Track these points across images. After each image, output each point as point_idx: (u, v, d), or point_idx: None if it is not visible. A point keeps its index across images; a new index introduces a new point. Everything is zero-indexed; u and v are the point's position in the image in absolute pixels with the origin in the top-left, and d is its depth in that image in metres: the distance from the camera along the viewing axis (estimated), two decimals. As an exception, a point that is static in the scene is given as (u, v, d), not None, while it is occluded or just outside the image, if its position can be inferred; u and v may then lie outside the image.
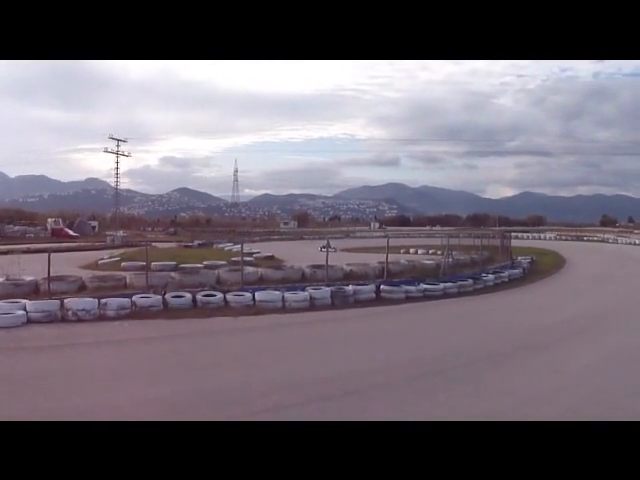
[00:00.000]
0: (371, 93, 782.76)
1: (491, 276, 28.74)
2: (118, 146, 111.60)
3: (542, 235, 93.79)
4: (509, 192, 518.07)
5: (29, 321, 16.89)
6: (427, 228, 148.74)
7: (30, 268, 21.82)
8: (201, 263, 30.25)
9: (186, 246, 55.67)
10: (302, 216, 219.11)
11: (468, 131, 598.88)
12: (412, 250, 47.90)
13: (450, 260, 30.73)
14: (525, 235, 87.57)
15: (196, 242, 60.59)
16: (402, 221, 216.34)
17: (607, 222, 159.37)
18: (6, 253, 32.52)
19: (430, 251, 45.56)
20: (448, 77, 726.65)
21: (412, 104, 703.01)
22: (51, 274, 20.19)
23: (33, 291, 20.34)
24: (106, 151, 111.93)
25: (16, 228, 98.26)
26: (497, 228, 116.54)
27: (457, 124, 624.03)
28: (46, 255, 20.73)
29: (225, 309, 19.35)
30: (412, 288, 23.53)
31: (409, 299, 22.81)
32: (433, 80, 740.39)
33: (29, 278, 21.21)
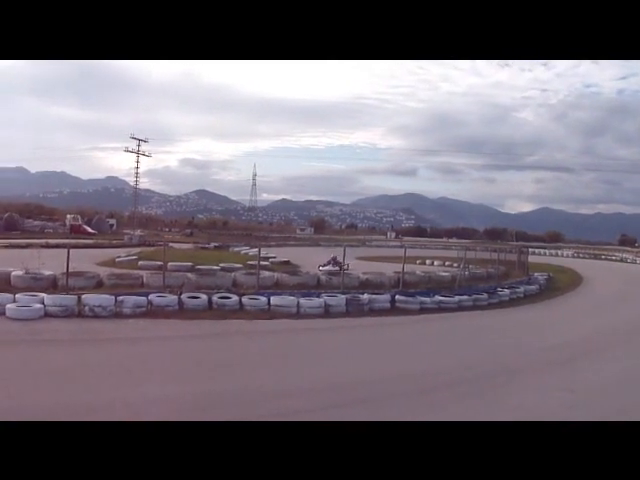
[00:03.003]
0: (393, 102, 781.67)
1: (507, 291, 28.50)
2: (139, 146, 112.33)
3: (559, 252, 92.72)
4: (527, 207, 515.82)
5: (46, 315, 17.05)
6: (444, 240, 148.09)
7: (49, 263, 21.99)
8: (217, 265, 30.30)
9: (202, 248, 55.59)
10: (319, 223, 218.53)
11: (488, 144, 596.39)
12: (428, 261, 47.61)
13: (466, 273, 30.65)
14: (542, 251, 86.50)
15: (212, 244, 60.50)
16: (419, 232, 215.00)
17: (626, 241, 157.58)
18: (25, 247, 32.79)
19: (446, 263, 45.29)
20: (470, 89, 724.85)
21: (433, 115, 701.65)
22: (69, 270, 20.36)
23: (51, 285, 20.48)
24: (127, 150, 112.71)
25: (35, 223, 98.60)
26: (514, 243, 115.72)
27: (477, 136, 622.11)
28: (64, 250, 20.88)
29: (240, 312, 19.40)
30: (427, 299, 23.47)
31: (424, 310, 22.71)
32: (455, 91, 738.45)
33: (48, 272, 21.36)
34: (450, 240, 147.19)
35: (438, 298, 23.95)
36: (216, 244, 60.79)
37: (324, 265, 34.25)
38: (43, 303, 17.42)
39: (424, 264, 45.15)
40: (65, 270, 20.53)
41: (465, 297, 25.05)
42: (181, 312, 18.79)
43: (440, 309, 23.35)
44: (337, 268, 30.73)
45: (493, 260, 37.39)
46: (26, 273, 21.10)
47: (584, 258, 78.26)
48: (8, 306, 16.88)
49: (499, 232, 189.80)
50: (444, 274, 31.75)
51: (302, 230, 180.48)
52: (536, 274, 38.16)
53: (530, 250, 53.05)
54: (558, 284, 37.32)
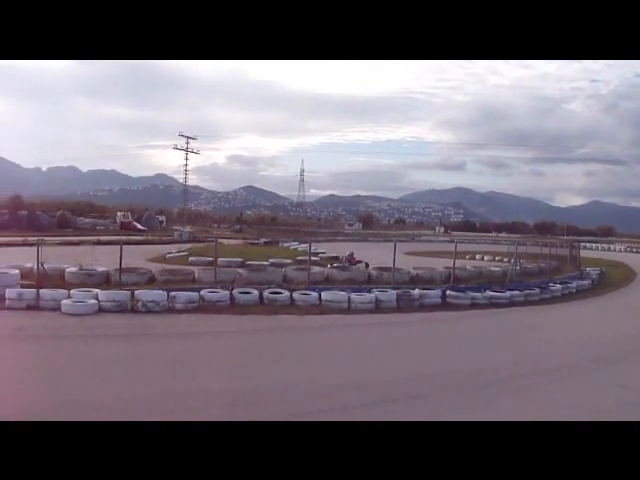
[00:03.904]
0: (440, 96, 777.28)
1: (558, 286, 28.05)
2: (187, 143, 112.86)
3: (611, 246, 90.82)
4: (578, 200, 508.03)
5: (100, 310, 17.35)
6: (493, 234, 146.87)
7: (101, 259, 22.29)
8: (267, 261, 30.45)
9: (252, 243, 55.89)
10: (367, 218, 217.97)
11: (536, 137, 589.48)
12: (478, 256, 47.37)
13: (517, 268, 30.35)
14: (594, 245, 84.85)
15: (262, 240, 60.75)
16: (468, 226, 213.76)
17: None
18: (77, 244, 33.23)
19: (496, 258, 44.98)
20: (517, 81, 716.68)
21: (480, 108, 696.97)
22: (122, 266, 20.62)
23: (105, 281, 20.78)
24: (176, 148, 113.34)
25: (87, 220, 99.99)
26: (565, 237, 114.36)
27: (525, 129, 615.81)
28: (116, 247, 21.15)
29: (291, 307, 19.47)
30: (478, 295, 23.24)
31: (475, 306, 22.51)
32: (502, 84, 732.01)
33: (101, 269, 21.67)
34: (499, 235, 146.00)
35: (489, 293, 23.70)
36: (265, 240, 61.00)
37: (340, 261, 33.97)
38: (97, 299, 17.68)
39: (474, 259, 44.90)
40: (118, 266, 20.81)
41: (517, 292, 24.71)
42: (232, 307, 18.90)
43: (491, 304, 23.08)
44: (364, 265, 30.59)
45: (544, 255, 36.88)
46: (80, 269, 21.45)
47: (637, 252, 76.77)
48: (63, 302, 17.18)
49: (549, 226, 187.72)
50: (495, 269, 31.49)
51: (350, 225, 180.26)
52: (588, 269, 37.60)
53: (581, 244, 52.38)
54: (611, 279, 36.62)
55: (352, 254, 32.39)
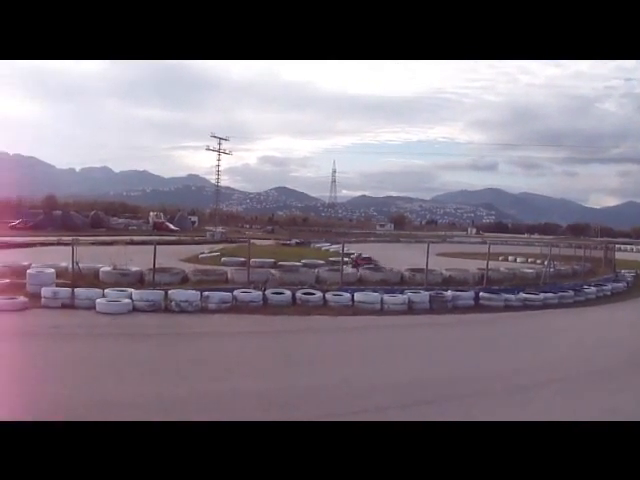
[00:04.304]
0: (472, 96, 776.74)
1: (593, 289, 27.58)
2: (220, 144, 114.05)
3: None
4: (612, 201, 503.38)
5: (134, 309, 17.49)
6: (525, 236, 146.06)
7: (134, 259, 22.44)
8: (299, 261, 30.47)
9: (284, 244, 56.00)
10: (399, 219, 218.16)
11: (569, 136, 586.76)
12: (511, 258, 46.94)
13: (551, 270, 30.09)
14: (628, 247, 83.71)
15: (294, 240, 60.86)
16: (500, 228, 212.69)
17: None
18: (111, 244, 33.53)
19: (529, 259, 44.64)
20: (550, 80, 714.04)
21: (512, 108, 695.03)
22: (155, 266, 20.74)
23: (138, 281, 20.91)
24: (208, 149, 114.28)
25: (120, 220, 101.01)
26: (599, 239, 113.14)
27: (558, 129, 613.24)
28: (148, 247, 21.31)
29: (324, 308, 19.41)
30: (512, 297, 22.98)
31: (508, 308, 22.25)
32: (534, 83, 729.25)
33: (135, 268, 21.82)
34: (532, 236, 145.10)
35: (523, 295, 23.40)
36: (297, 240, 61.10)
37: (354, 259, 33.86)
38: (131, 298, 17.82)
39: (506, 260, 44.48)
40: (151, 266, 20.94)
41: (550, 295, 24.38)
42: (265, 308, 18.91)
43: (525, 307, 22.77)
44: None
45: (578, 257, 36.49)
46: (114, 269, 21.61)
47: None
48: (98, 301, 17.33)
49: (582, 228, 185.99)
50: (528, 271, 31.15)
51: (382, 226, 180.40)
52: (623, 271, 37.08)
53: (616, 246, 51.79)
54: (647, 282, 36.10)
55: (360, 255, 32.05)
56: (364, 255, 39.03)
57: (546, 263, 30.88)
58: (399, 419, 8.61)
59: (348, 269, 25.42)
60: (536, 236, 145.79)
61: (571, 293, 25.41)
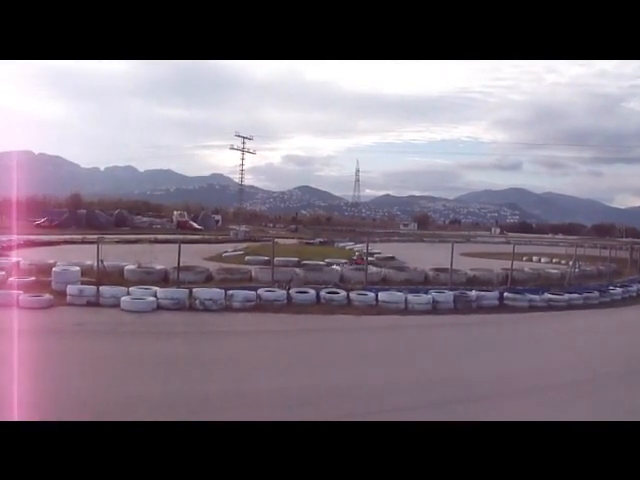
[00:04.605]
0: (496, 96, 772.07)
1: (619, 289, 27.26)
2: (244, 143, 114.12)
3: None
4: (638, 201, 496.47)
5: (159, 307, 17.55)
6: (549, 236, 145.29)
7: (159, 257, 22.56)
8: (323, 261, 30.47)
9: (307, 243, 56.05)
10: (422, 218, 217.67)
11: (594, 136, 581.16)
12: (535, 258, 46.79)
13: (576, 270, 29.90)
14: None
15: (317, 240, 60.92)
16: (524, 228, 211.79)
17: None
18: (135, 242, 33.78)
19: (554, 260, 44.41)
20: (575, 79, 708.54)
21: (537, 107, 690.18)
22: (179, 264, 20.83)
23: (163, 279, 21.03)
24: (232, 148, 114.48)
25: (144, 219, 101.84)
26: (624, 239, 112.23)
27: (583, 128, 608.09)
28: (172, 245, 21.41)
29: (348, 307, 19.36)
30: (536, 297, 22.82)
31: (533, 308, 22.11)
32: (559, 82, 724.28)
33: (159, 267, 21.94)
34: (556, 236, 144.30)
35: (547, 296, 23.21)
36: (321, 239, 61.14)
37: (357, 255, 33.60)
38: (156, 296, 17.90)
39: (531, 261, 44.30)
40: (175, 264, 21.04)
41: (575, 295, 24.15)
42: (289, 307, 18.90)
43: (549, 307, 22.59)
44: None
45: (603, 257, 36.30)
46: (138, 267, 21.74)
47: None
48: (123, 299, 17.42)
49: (608, 228, 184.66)
50: (553, 271, 31.02)
51: (405, 226, 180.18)
52: (650, 272, 36.78)
53: (642, 247, 51.39)
54: (674, 283, 35.72)
55: (360, 255, 31.70)
56: (389, 255, 39.07)
57: (571, 263, 30.70)
58: (425, 418, 8.60)
59: (371, 269, 25.29)
60: (560, 236, 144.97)
61: (596, 294, 25.14)
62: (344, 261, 30.62)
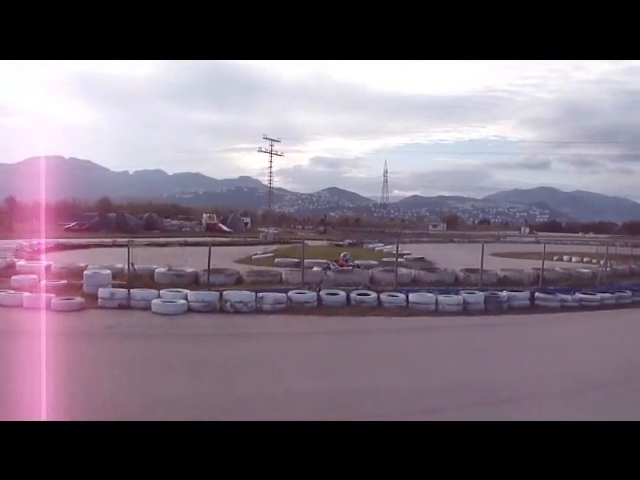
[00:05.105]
0: (524, 94, 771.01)
1: (652, 288, 27.08)
2: (272, 146, 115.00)
3: None
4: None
5: (189, 310, 17.60)
6: (579, 235, 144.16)
7: (189, 260, 22.67)
8: (353, 262, 30.40)
9: (337, 245, 55.97)
10: (451, 218, 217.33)
11: (623, 133, 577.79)
12: (566, 257, 46.30)
13: (608, 269, 29.61)
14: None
15: (346, 241, 60.83)
16: (553, 227, 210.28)
17: None
18: (164, 245, 33.99)
19: (585, 259, 44.00)
20: (603, 76, 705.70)
21: (565, 105, 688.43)
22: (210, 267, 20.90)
23: (193, 282, 21.13)
24: (260, 151, 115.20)
25: (173, 222, 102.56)
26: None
27: (612, 125, 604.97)
28: (202, 248, 21.48)
29: (378, 309, 19.27)
30: (568, 297, 22.51)
31: (564, 308, 21.81)
32: (587, 79, 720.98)
33: (189, 269, 22.04)
34: (587, 235, 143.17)
35: (579, 296, 22.87)
36: (350, 241, 61.08)
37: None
38: (186, 299, 17.95)
39: (561, 260, 43.91)
40: (205, 267, 21.13)
41: (607, 295, 23.76)
42: (320, 308, 18.85)
43: (581, 307, 22.25)
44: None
45: (635, 256, 35.95)
46: (169, 270, 21.87)
47: None
48: (154, 301, 17.50)
49: (639, 226, 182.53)
50: (584, 271, 30.73)
51: (434, 226, 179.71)
52: (683, 270, 36.34)
53: (675, 245, 50.79)
54: None
55: (344, 256, 31.23)
56: (419, 256, 38.97)
57: (602, 262, 30.42)
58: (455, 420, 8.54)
59: (401, 270, 25.22)
60: (591, 235, 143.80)
61: (629, 293, 24.70)
62: (324, 262, 30.07)
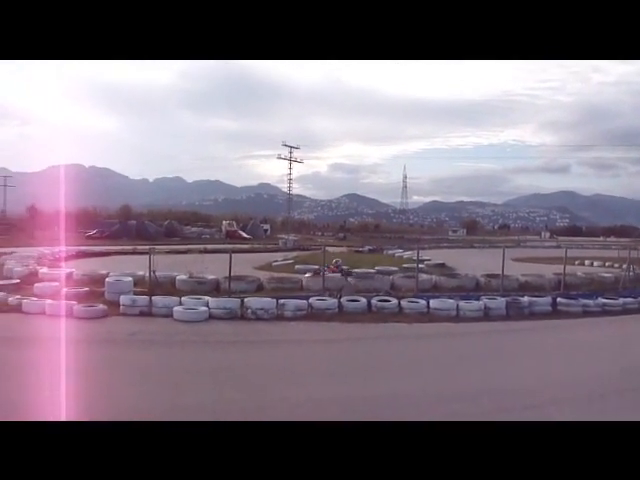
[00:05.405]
0: (542, 98, 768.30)
1: (676, 292, 26.76)
2: (291, 152, 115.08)
3: None
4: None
5: (211, 317, 17.65)
6: (601, 239, 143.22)
7: (209, 267, 22.73)
8: (373, 268, 30.35)
9: (357, 251, 55.90)
10: (471, 224, 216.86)
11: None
12: (587, 262, 45.94)
13: (630, 274, 29.39)
14: None
15: (366, 247, 60.75)
16: (574, 231, 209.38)
17: None
18: (185, 252, 34.12)
19: (607, 263, 43.63)
20: (621, 77, 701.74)
21: (584, 108, 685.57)
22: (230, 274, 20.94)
23: (214, 289, 21.19)
24: (279, 158, 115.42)
25: (193, 229, 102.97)
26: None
27: (632, 128, 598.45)
28: (222, 255, 21.55)
29: (399, 315, 19.23)
30: (590, 302, 22.32)
31: (587, 313, 21.64)
32: (606, 82, 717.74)
33: (211, 276, 22.10)
34: (608, 239, 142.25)
35: (602, 301, 22.69)
36: (370, 247, 60.98)
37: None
38: (208, 306, 18.00)
39: (583, 265, 43.63)
40: (226, 274, 21.17)
41: (630, 299, 23.52)
42: (341, 315, 18.82)
43: (604, 312, 22.07)
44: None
45: (659, 260, 35.60)
46: (190, 277, 21.93)
47: None
48: (175, 309, 17.57)
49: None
50: (606, 275, 30.52)
51: (454, 232, 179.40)
52: None
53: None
54: None
55: (336, 262, 30.89)
56: (439, 261, 38.89)
57: (625, 267, 30.21)
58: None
59: (421, 276, 25.13)
60: (612, 239, 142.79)
61: (653, 298, 24.61)
62: (316, 267, 29.81)
